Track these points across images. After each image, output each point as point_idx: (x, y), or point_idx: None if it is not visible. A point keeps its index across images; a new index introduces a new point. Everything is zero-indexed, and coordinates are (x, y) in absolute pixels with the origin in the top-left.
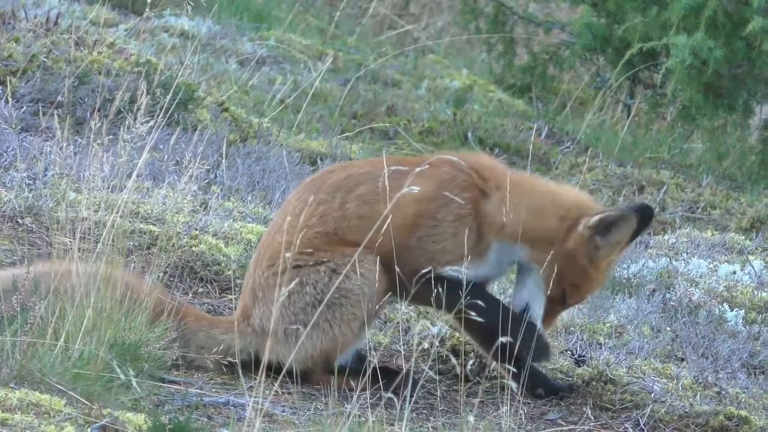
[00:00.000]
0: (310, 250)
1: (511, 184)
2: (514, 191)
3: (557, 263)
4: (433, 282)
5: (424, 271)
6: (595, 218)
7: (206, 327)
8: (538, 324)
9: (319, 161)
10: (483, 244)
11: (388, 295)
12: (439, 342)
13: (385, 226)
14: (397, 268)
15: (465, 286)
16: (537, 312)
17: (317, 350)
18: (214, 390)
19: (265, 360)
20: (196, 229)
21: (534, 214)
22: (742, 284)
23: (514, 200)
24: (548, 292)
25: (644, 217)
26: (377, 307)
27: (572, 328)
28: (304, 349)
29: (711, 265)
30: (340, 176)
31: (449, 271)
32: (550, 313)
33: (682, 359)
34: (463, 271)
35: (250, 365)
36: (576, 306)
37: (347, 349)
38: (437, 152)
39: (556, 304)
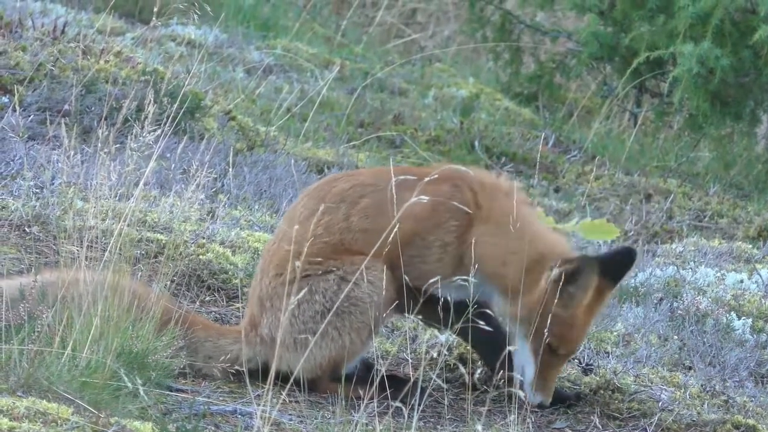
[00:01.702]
0: (319, 259)
1: (500, 219)
2: (500, 228)
3: (531, 316)
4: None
5: (425, 287)
6: (555, 273)
7: (214, 337)
8: (529, 378)
9: (326, 170)
10: (464, 271)
11: (394, 303)
12: (447, 350)
13: (384, 235)
14: (405, 278)
15: (453, 308)
16: (528, 372)
17: (326, 359)
18: (221, 398)
19: (273, 369)
20: (204, 238)
21: (508, 259)
22: (750, 293)
23: (497, 239)
24: (531, 345)
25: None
26: (385, 315)
27: None
28: (313, 357)
29: (718, 274)
30: (345, 186)
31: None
32: (547, 366)
33: (690, 368)
34: (445, 293)
35: (258, 374)
36: (571, 356)
37: (355, 357)
38: (445, 162)
39: (546, 356)
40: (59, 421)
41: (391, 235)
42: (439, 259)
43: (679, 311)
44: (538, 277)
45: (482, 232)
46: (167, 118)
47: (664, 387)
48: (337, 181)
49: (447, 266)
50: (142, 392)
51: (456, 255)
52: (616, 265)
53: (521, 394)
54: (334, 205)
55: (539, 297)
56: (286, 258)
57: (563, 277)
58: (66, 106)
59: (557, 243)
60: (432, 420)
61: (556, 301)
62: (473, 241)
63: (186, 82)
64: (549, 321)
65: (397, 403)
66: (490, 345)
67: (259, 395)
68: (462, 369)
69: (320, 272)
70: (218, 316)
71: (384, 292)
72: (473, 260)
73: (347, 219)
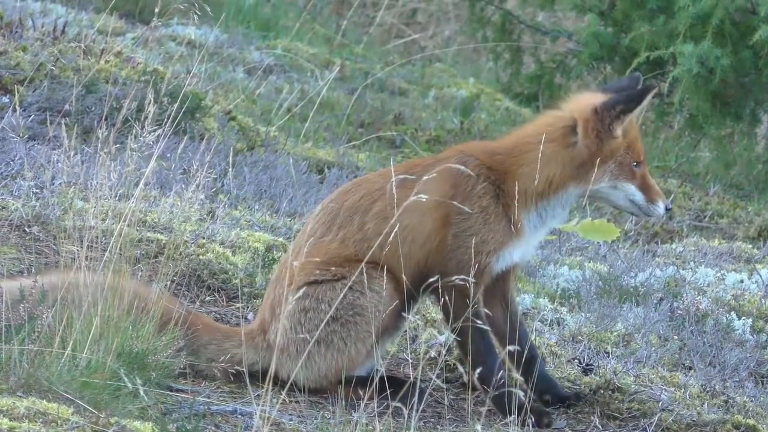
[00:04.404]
0: (329, 267)
1: (514, 151)
2: (522, 156)
3: (600, 163)
4: (440, 290)
5: (431, 280)
6: (599, 109)
7: (218, 340)
8: (657, 208)
9: (326, 170)
10: (515, 224)
11: (393, 305)
12: (447, 350)
13: (389, 237)
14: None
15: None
16: (639, 197)
17: (332, 370)
18: (221, 398)
19: (271, 370)
20: (204, 238)
21: (552, 165)
22: (750, 293)
23: (530, 161)
24: (627, 178)
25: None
26: (389, 321)
27: (579, 337)
28: (317, 368)
29: (718, 274)
30: (356, 197)
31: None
32: (645, 184)
33: (690, 368)
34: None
35: (258, 375)
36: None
37: (360, 366)
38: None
39: (638, 176)
40: (59, 421)
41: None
42: (485, 224)
43: (679, 311)
44: (565, 140)
45: (520, 173)
46: (167, 118)
47: (664, 387)
48: (348, 193)
49: (497, 227)
50: (142, 392)
51: (500, 212)
52: (633, 86)
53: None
54: (348, 218)
55: (607, 147)
56: (300, 269)
57: (618, 117)
58: (66, 107)
59: (562, 113)
60: (432, 420)
61: (618, 136)
62: (513, 185)
63: (186, 83)
64: (621, 153)
65: (397, 403)
66: (485, 353)
67: (259, 395)
68: (461, 369)
69: (328, 279)
70: (218, 316)
71: (389, 300)
72: (535, 197)
73: (362, 228)
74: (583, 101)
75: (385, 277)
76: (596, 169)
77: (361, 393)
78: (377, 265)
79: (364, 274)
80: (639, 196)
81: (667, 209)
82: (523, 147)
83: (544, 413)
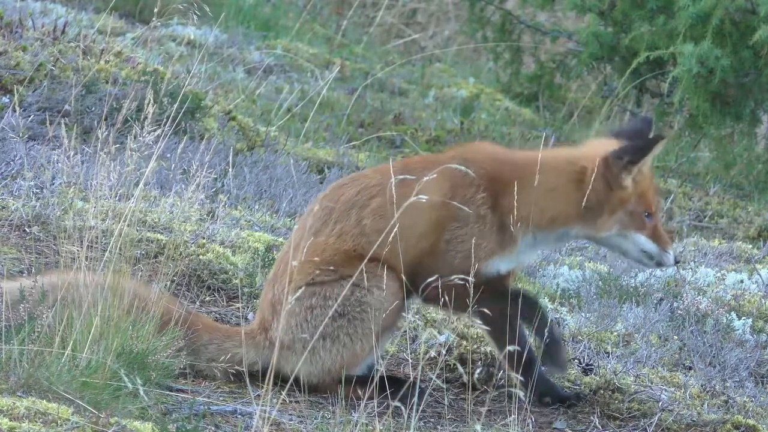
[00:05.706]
0: (332, 268)
1: (522, 172)
2: (529, 178)
3: (610, 212)
4: (440, 290)
5: (430, 279)
6: (615, 160)
7: (219, 340)
8: (654, 251)
9: (326, 170)
10: (509, 237)
11: (396, 303)
12: (447, 350)
13: (391, 235)
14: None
15: (479, 289)
16: (651, 247)
17: (336, 365)
18: (221, 399)
19: (271, 370)
20: (204, 238)
21: (556, 194)
22: (750, 293)
23: (534, 188)
24: (637, 228)
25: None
26: (392, 320)
27: (579, 337)
28: (321, 363)
29: (718, 274)
30: (352, 192)
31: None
32: (656, 234)
33: (690, 368)
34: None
35: (258, 374)
36: (658, 208)
37: (363, 363)
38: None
39: (648, 226)
40: (59, 421)
41: (392, 233)
42: (480, 233)
43: (679, 311)
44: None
45: (521, 194)
46: (167, 118)
47: (664, 387)
48: (344, 187)
49: (490, 237)
50: (142, 392)
51: (495, 222)
52: (645, 131)
53: (521, 394)
54: (345, 212)
55: (616, 196)
56: (298, 267)
57: (626, 168)
58: (66, 107)
59: (577, 154)
60: (432, 420)
61: (627, 186)
62: (511, 204)
63: (186, 83)
64: (632, 202)
65: (397, 403)
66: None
67: (259, 395)
68: (461, 369)
69: (333, 279)
70: (218, 315)
71: (392, 298)
72: (533, 224)
73: (360, 223)
74: (596, 148)
75: (387, 276)
76: (606, 217)
77: (360, 393)
78: (378, 263)
79: (365, 273)
80: (651, 246)
81: (677, 262)
82: (533, 169)
83: (571, 396)
